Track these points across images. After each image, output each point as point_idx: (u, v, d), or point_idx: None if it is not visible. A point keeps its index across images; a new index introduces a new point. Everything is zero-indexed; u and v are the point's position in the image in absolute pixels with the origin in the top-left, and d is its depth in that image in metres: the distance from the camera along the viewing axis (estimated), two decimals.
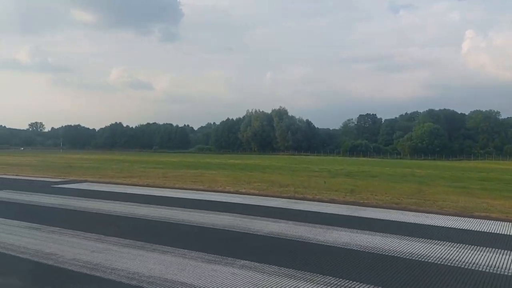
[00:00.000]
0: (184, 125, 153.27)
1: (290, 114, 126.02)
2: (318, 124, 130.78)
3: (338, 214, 10.45)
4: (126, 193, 14.47)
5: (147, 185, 16.85)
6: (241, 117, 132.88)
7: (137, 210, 10.68)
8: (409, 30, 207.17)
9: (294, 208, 11.35)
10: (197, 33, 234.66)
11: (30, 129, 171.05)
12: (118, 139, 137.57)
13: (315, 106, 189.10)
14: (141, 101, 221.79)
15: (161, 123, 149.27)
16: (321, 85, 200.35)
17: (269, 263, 6.01)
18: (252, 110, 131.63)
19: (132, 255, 6.39)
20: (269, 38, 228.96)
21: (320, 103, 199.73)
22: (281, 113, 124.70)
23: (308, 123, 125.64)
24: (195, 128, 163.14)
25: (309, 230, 8.38)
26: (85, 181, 18.49)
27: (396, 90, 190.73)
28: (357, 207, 11.63)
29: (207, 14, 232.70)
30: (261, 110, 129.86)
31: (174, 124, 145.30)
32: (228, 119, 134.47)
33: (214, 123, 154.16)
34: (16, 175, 21.64)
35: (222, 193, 14.43)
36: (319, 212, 10.72)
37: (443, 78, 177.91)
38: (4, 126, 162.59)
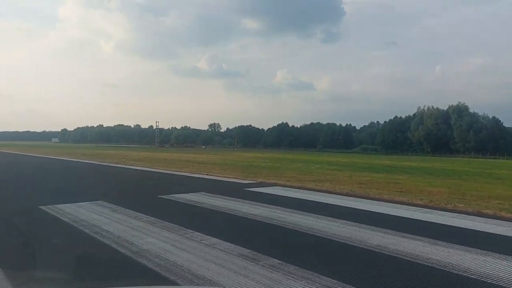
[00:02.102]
0: (347, 124, 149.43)
1: (471, 110, 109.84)
2: (507, 122, 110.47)
3: None
4: (332, 204, 11.84)
5: (347, 194, 14.13)
6: (411, 115, 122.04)
7: (365, 235, 7.77)
8: None
9: None
10: (358, 30, 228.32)
11: (210, 129, 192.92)
12: (285, 138, 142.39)
13: (502, 101, 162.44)
14: (304, 101, 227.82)
15: (323, 122, 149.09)
16: (506, 77, 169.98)
17: None
18: (424, 107, 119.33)
19: None
20: (438, 29, 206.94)
21: (508, 97, 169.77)
22: (460, 110, 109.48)
23: (495, 121, 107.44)
24: (357, 127, 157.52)
25: None
26: (275, 184, 16.92)
27: None
28: None
29: (369, 10, 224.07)
30: (434, 107, 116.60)
31: (337, 124, 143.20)
32: (396, 117, 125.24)
33: (377, 122, 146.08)
34: (207, 174, 21.81)
35: (461, 215, 10.43)
36: None
37: None
38: (189, 127, 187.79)
